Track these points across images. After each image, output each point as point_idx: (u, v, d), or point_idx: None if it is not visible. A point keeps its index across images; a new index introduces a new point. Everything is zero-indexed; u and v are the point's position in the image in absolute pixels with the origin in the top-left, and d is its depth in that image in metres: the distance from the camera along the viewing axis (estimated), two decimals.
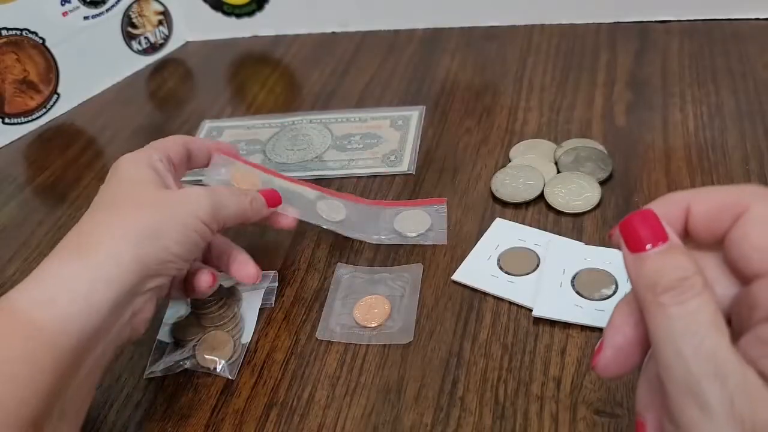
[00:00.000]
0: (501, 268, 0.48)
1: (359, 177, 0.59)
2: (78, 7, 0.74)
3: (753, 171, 0.54)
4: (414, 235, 0.52)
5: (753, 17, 0.71)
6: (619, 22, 0.74)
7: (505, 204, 0.54)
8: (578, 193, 0.53)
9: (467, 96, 0.67)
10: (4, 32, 0.69)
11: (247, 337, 0.46)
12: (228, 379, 0.44)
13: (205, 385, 0.44)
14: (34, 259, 0.56)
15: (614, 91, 0.65)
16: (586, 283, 0.46)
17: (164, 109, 0.74)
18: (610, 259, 0.47)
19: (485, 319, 0.45)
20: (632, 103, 0.63)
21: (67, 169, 0.67)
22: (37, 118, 0.73)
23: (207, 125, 0.69)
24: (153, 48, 0.82)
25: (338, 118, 0.66)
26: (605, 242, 0.49)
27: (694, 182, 0.53)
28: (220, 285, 0.47)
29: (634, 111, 0.62)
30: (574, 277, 0.46)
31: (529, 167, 0.56)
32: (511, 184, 0.55)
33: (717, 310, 0.24)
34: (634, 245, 0.26)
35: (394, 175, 0.59)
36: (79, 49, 0.74)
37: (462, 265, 0.49)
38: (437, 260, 0.50)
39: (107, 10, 0.76)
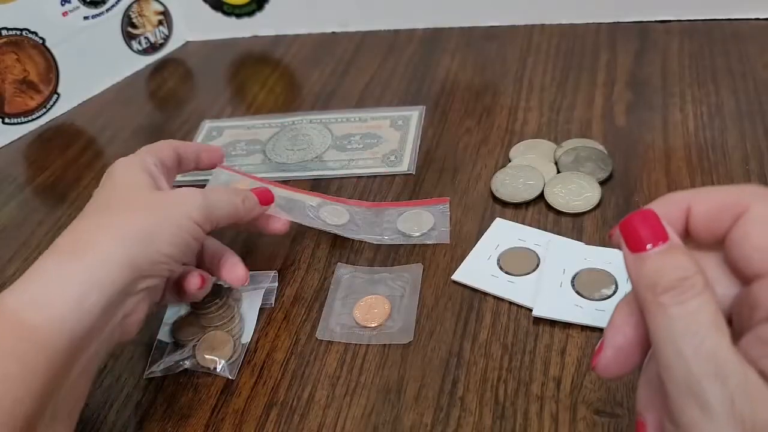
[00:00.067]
0: (501, 268, 0.48)
1: (359, 177, 0.59)
2: (78, 7, 0.74)
3: (753, 171, 0.54)
4: (417, 234, 0.52)
5: (753, 17, 0.71)
6: (619, 22, 0.74)
7: (505, 204, 0.54)
8: (578, 193, 0.53)
9: (467, 96, 0.67)
10: (4, 32, 0.69)
11: (247, 337, 0.46)
12: (228, 379, 0.44)
13: (205, 385, 0.44)
14: (34, 259, 0.55)
15: (614, 91, 0.65)
16: (586, 283, 0.46)
17: (164, 109, 0.74)
18: (610, 259, 0.47)
19: (485, 319, 0.45)
20: (632, 103, 0.63)
21: (67, 169, 0.67)
22: (37, 118, 0.73)
23: (207, 125, 0.69)
24: (153, 48, 0.82)
25: (338, 118, 0.66)
26: (605, 242, 0.49)
27: (694, 182, 0.53)
28: (221, 285, 0.47)
29: (634, 111, 0.62)
30: (574, 277, 0.46)
31: (529, 167, 0.56)
32: (511, 184, 0.55)
33: (717, 310, 0.24)
34: (634, 245, 0.26)
35: (394, 175, 0.59)
36: (79, 49, 0.74)
37: (462, 265, 0.49)
38: (437, 260, 0.50)
39: (107, 10, 0.76)
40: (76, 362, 0.36)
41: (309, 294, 0.49)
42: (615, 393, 0.40)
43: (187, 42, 0.85)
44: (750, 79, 0.63)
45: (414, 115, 0.65)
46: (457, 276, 0.48)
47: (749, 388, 0.23)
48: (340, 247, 0.52)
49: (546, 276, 0.47)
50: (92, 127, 0.73)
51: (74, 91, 0.75)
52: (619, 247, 0.27)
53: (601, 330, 0.43)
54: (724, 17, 0.71)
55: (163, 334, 0.47)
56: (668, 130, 0.59)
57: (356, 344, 0.45)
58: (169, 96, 0.76)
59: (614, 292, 0.45)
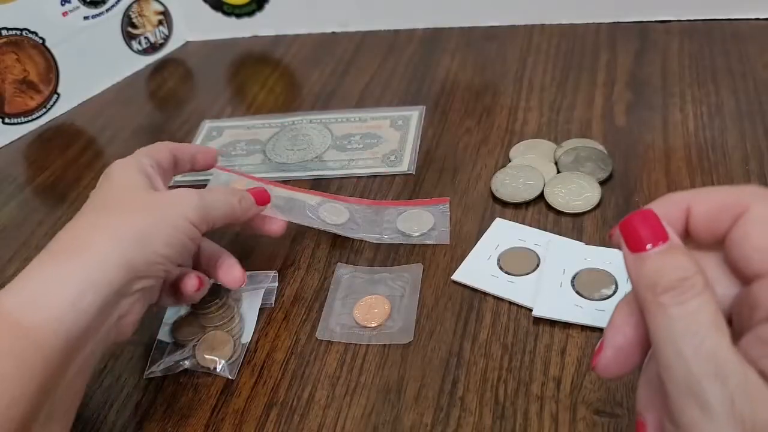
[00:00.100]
0: (501, 268, 0.48)
1: (359, 177, 0.59)
2: (78, 7, 0.74)
3: (753, 171, 0.54)
4: (417, 234, 0.52)
5: (753, 17, 0.71)
6: (619, 22, 0.74)
7: (505, 204, 0.54)
8: (578, 193, 0.53)
9: (467, 96, 0.67)
10: (4, 32, 0.69)
11: (247, 337, 0.46)
12: (228, 379, 0.44)
13: (205, 385, 0.44)
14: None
15: (614, 91, 0.65)
16: (586, 283, 0.46)
17: (164, 109, 0.74)
18: (610, 259, 0.47)
19: (485, 319, 0.45)
20: (632, 103, 0.63)
21: (67, 169, 0.67)
22: (37, 118, 0.73)
23: (207, 125, 0.69)
24: (153, 48, 0.82)
25: (338, 118, 0.66)
26: (605, 242, 0.49)
27: (694, 182, 0.53)
28: (220, 285, 0.47)
29: (634, 111, 0.62)
30: (574, 277, 0.46)
31: (529, 167, 0.56)
32: (511, 184, 0.55)
33: (717, 310, 0.24)
34: (634, 245, 0.26)
35: (394, 175, 0.59)
36: (79, 49, 0.74)
37: (462, 265, 0.49)
38: (437, 260, 0.50)
39: (107, 10, 0.76)
40: (72, 362, 0.36)
41: (309, 294, 0.49)
42: (615, 393, 0.40)
43: (187, 42, 0.85)
44: (750, 79, 0.63)
45: (414, 115, 0.65)
46: (457, 276, 0.48)
47: (749, 388, 0.23)
48: (340, 247, 0.52)
49: (546, 276, 0.47)
50: (92, 127, 0.73)
51: (74, 91, 0.75)
52: (619, 247, 0.27)
53: (601, 330, 0.43)
54: (724, 17, 0.71)
55: (163, 334, 0.47)
56: (668, 130, 0.59)
57: (356, 344, 0.45)
58: (169, 96, 0.76)
59: (614, 292, 0.45)
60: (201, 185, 0.50)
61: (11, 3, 0.68)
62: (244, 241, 0.53)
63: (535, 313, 0.45)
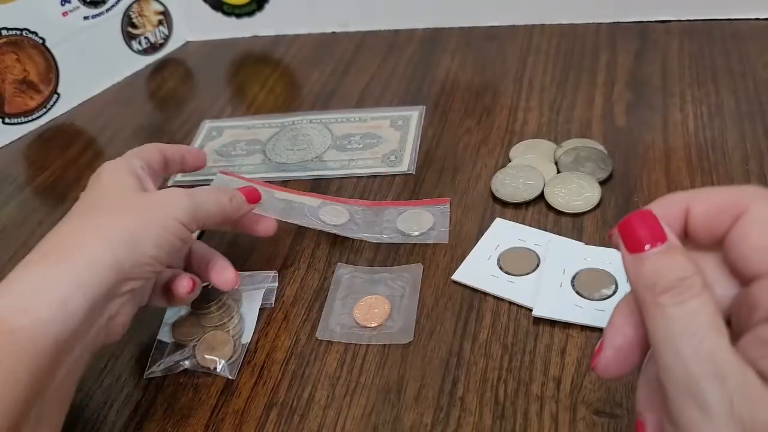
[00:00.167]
0: (501, 268, 0.48)
1: (359, 177, 0.59)
2: (78, 7, 0.74)
3: (753, 171, 0.54)
4: (416, 234, 0.52)
5: (753, 17, 0.71)
6: (619, 22, 0.74)
7: (505, 204, 0.54)
8: (578, 193, 0.53)
9: (467, 96, 0.67)
10: (4, 32, 0.69)
11: (247, 337, 0.46)
12: (228, 379, 0.44)
13: (205, 385, 0.44)
14: None
15: (614, 91, 0.65)
16: (586, 283, 0.46)
17: (164, 109, 0.75)
18: (610, 259, 0.47)
19: (485, 319, 0.45)
20: (632, 103, 0.63)
21: (67, 169, 0.67)
22: (37, 118, 0.73)
23: (207, 125, 0.69)
24: (153, 48, 0.82)
25: (338, 118, 0.66)
26: (605, 242, 0.49)
27: (694, 182, 0.53)
28: None
29: (634, 111, 0.62)
30: (574, 277, 0.46)
31: (529, 167, 0.56)
32: (511, 184, 0.55)
33: (716, 311, 0.24)
34: (632, 245, 0.26)
35: (394, 175, 0.59)
36: (79, 49, 0.74)
37: (462, 265, 0.49)
38: (437, 260, 0.50)
39: (107, 10, 0.76)
40: (61, 365, 0.36)
41: (309, 294, 0.49)
42: (615, 393, 0.40)
43: (187, 42, 0.85)
44: (750, 79, 0.63)
45: (414, 115, 0.65)
46: (457, 276, 0.48)
47: (748, 388, 0.23)
48: (340, 247, 0.52)
49: (546, 276, 0.47)
50: (92, 127, 0.73)
51: (74, 91, 0.75)
52: (618, 248, 0.27)
53: (601, 330, 0.43)
54: (724, 17, 0.71)
55: (163, 334, 0.47)
56: (668, 130, 0.59)
57: (356, 344, 0.45)
58: (169, 96, 0.76)
59: (614, 292, 0.45)
60: (205, 185, 0.50)
61: (11, 3, 0.68)
62: (244, 241, 0.53)
63: (535, 313, 0.45)
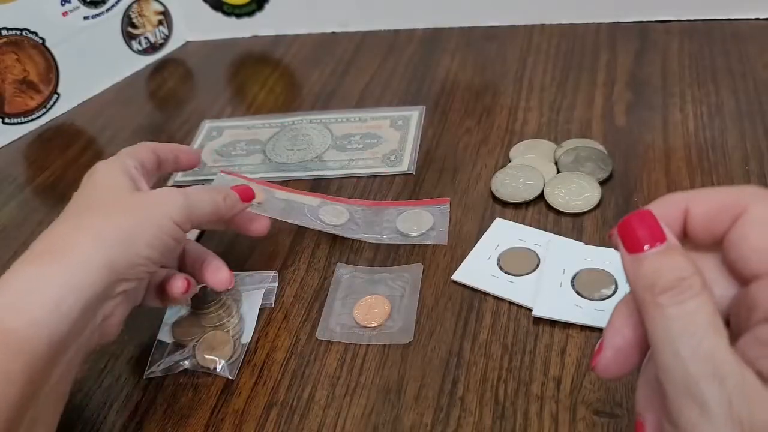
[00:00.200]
0: (501, 268, 0.48)
1: (359, 177, 0.59)
2: (78, 7, 0.74)
3: (753, 171, 0.54)
4: (416, 234, 0.52)
5: (753, 17, 0.71)
6: (619, 22, 0.74)
7: (505, 204, 0.54)
8: (578, 193, 0.53)
9: (467, 96, 0.67)
10: (4, 32, 0.69)
11: (247, 337, 0.46)
12: (228, 379, 0.44)
13: (205, 385, 0.44)
14: None
15: (614, 91, 0.65)
16: (586, 283, 0.46)
17: (164, 109, 0.75)
18: (610, 259, 0.47)
19: (485, 319, 0.45)
20: (632, 103, 0.63)
21: (67, 169, 0.67)
22: (37, 118, 0.73)
23: (207, 125, 0.69)
24: (153, 48, 0.82)
25: (338, 118, 0.66)
26: (605, 242, 0.49)
27: (693, 182, 0.53)
28: None
29: (634, 111, 0.62)
30: (574, 277, 0.46)
31: (529, 167, 0.56)
32: (511, 184, 0.55)
33: (715, 311, 0.24)
34: (631, 246, 0.26)
35: (394, 175, 0.59)
36: (79, 49, 0.74)
37: (462, 265, 0.49)
38: (437, 260, 0.50)
39: (107, 10, 0.76)
40: (55, 368, 0.35)
41: (309, 294, 0.49)
42: (614, 393, 0.40)
43: (187, 42, 0.85)
44: (750, 79, 0.63)
45: (414, 115, 0.65)
46: (457, 276, 0.48)
47: (747, 389, 0.23)
48: (340, 247, 0.52)
49: (546, 276, 0.47)
50: (92, 127, 0.73)
51: (74, 91, 0.75)
52: (617, 248, 0.27)
53: (600, 330, 0.43)
54: (724, 17, 0.71)
55: (163, 334, 0.47)
56: (668, 130, 0.59)
57: (356, 344, 0.45)
58: (169, 96, 0.76)
59: (614, 292, 0.45)
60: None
61: (11, 3, 0.68)
62: (244, 241, 0.53)
63: (535, 313, 0.45)
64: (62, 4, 0.73)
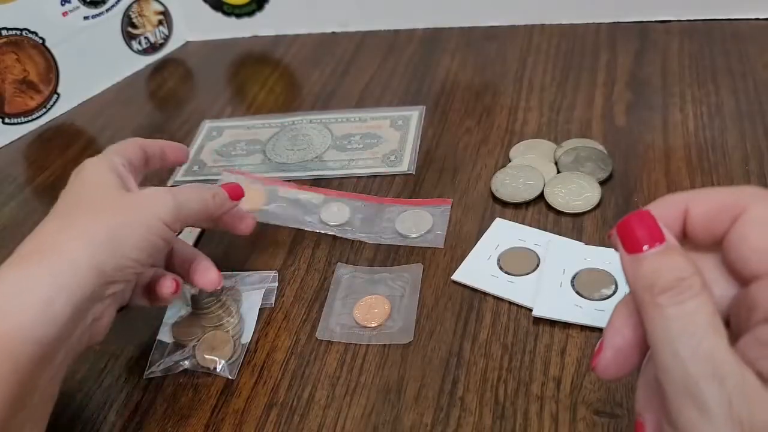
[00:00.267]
0: (501, 268, 0.48)
1: (359, 177, 0.59)
2: (78, 7, 0.74)
3: (753, 171, 0.54)
4: (414, 236, 0.52)
5: (753, 17, 0.71)
6: (619, 22, 0.74)
7: (505, 204, 0.54)
8: (578, 193, 0.53)
9: (467, 96, 0.67)
10: (4, 32, 0.69)
11: (247, 337, 0.46)
12: (228, 379, 0.44)
13: (205, 385, 0.44)
14: None
15: (614, 91, 0.65)
16: (586, 283, 0.46)
17: (164, 109, 0.75)
18: (610, 259, 0.47)
19: (485, 319, 0.45)
20: (632, 103, 0.63)
21: (67, 169, 0.66)
22: (37, 118, 0.73)
23: (207, 125, 0.69)
24: (153, 48, 0.82)
25: (338, 118, 0.66)
26: (605, 242, 0.49)
27: (693, 182, 0.53)
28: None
29: (634, 111, 0.62)
30: (574, 277, 0.46)
31: (529, 167, 0.56)
32: (511, 184, 0.55)
33: (715, 311, 0.24)
34: (631, 246, 0.26)
35: (394, 175, 0.59)
36: (79, 49, 0.74)
37: (462, 265, 0.49)
38: (437, 260, 0.50)
39: (107, 10, 0.76)
40: (45, 371, 0.35)
41: (309, 294, 0.49)
42: (614, 393, 0.40)
43: (187, 42, 0.85)
44: (750, 79, 0.63)
45: (414, 115, 0.65)
46: (457, 276, 0.48)
47: (747, 389, 0.23)
48: (340, 247, 0.52)
49: (546, 276, 0.47)
50: (92, 127, 0.73)
51: (74, 91, 0.75)
52: (616, 249, 0.27)
53: (600, 330, 0.43)
54: (724, 17, 0.71)
55: (163, 334, 0.47)
56: (668, 130, 0.59)
57: (356, 344, 0.45)
58: (169, 96, 0.76)
59: (614, 292, 0.45)
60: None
61: (11, 3, 0.68)
62: (244, 241, 0.53)
63: (535, 313, 0.45)
64: (62, 4, 0.73)
